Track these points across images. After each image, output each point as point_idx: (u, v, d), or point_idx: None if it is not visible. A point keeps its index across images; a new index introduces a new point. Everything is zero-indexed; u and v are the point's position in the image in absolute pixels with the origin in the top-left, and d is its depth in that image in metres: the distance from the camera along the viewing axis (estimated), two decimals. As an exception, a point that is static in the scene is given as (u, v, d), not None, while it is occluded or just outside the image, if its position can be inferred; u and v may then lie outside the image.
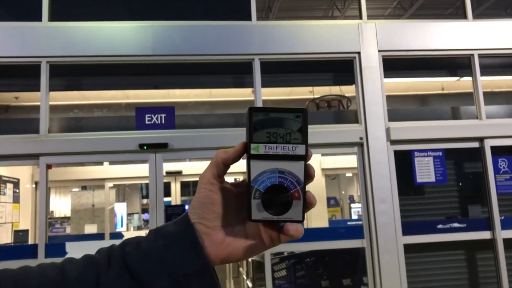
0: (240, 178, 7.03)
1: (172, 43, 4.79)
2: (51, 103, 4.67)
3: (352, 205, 11.81)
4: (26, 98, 6.34)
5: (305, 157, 0.60)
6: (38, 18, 4.72)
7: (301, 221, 0.60)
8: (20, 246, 4.88)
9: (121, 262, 0.59)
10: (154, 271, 0.58)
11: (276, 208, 0.59)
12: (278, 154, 0.60)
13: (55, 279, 0.58)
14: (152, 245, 0.60)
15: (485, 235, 4.75)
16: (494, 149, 4.89)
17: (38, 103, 4.57)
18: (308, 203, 0.61)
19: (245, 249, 0.63)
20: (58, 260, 0.62)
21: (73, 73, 5.05)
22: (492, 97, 5.77)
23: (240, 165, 0.66)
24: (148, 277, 0.57)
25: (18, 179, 7.52)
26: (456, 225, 4.73)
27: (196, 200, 0.62)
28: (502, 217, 4.77)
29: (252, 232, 0.63)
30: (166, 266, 0.58)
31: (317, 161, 8.29)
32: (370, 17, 5.10)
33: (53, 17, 4.77)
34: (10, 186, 7.21)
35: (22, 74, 4.92)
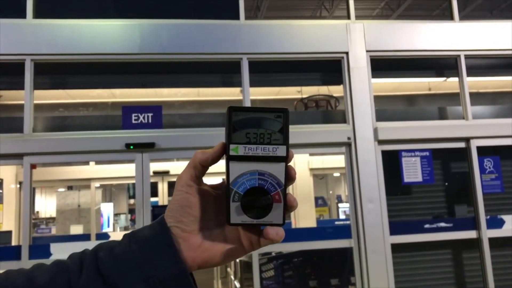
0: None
1: (160, 42, 4.75)
2: (35, 101, 4.59)
3: (340, 205, 11.86)
4: (10, 97, 6.24)
5: (286, 159, 0.58)
6: (23, 15, 4.64)
7: (282, 225, 0.58)
8: (3, 248, 4.78)
9: (94, 268, 0.56)
10: (128, 277, 0.55)
11: (255, 211, 0.58)
12: (258, 156, 0.58)
13: (22, 286, 0.55)
14: (126, 250, 0.57)
15: (471, 234, 4.79)
16: (480, 149, 4.93)
17: (22, 102, 4.49)
18: (288, 206, 0.59)
19: (223, 253, 0.61)
20: (43, 262, 0.60)
21: (58, 71, 4.98)
22: (478, 97, 5.83)
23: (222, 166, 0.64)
24: (122, 283, 0.55)
25: (2, 179, 7.39)
26: (442, 224, 4.76)
27: (173, 203, 0.60)
28: (488, 217, 4.82)
29: (231, 236, 0.61)
30: (140, 272, 0.56)
31: (305, 161, 8.30)
32: (358, 17, 5.12)
33: (37, 14, 4.69)
34: (-7, 186, 7.09)
35: (5, 72, 4.83)
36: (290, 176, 0.59)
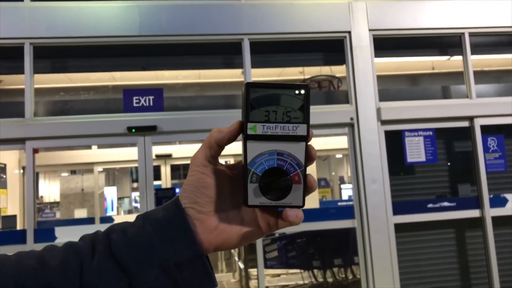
0: (231, 161, 7.00)
1: (160, 23, 4.68)
2: (36, 86, 4.56)
3: (342, 186, 11.90)
4: (10, 81, 6.19)
5: (307, 138, 0.56)
6: (20, -2, 4.56)
7: (302, 206, 0.57)
8: (8, 232, 4.82)
9: (107, 250, 0.54)
10: (142, 260, 0.54)
11: (274, 193, 0.55)
12: (277, 135, 0.55)
13: (33, 268, 0.53)
14: (140, 231, 0.55)
15: (474, 213, 4.80)
16: (483, 128, 4.90)
17: (23, 86, 4.46)
18: (309, 187, 0.57)
19: (240, 236, 0.59)
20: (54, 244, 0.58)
21: (58, 55, 4.92)
22: (482, 76, 5.77)
23: (234, 147, 0.62)
24: (135, 266, 0.53)
25: (5, 164, 7.41)
26: (446, 204, 4.77)
27: (188, 183, 0.58)
28: (491, 196, 4.82)
29: (248, 217, 0.59)
30: (155, 255, 0.54)
31: (308, 142, 8.27)
32: (360, -5, 5.02)
33: (35, -3, 4.62)
34: (-4, 171, 7.11)
35: (4, 57, 4.78)
36: (310, 156, 0.57)
